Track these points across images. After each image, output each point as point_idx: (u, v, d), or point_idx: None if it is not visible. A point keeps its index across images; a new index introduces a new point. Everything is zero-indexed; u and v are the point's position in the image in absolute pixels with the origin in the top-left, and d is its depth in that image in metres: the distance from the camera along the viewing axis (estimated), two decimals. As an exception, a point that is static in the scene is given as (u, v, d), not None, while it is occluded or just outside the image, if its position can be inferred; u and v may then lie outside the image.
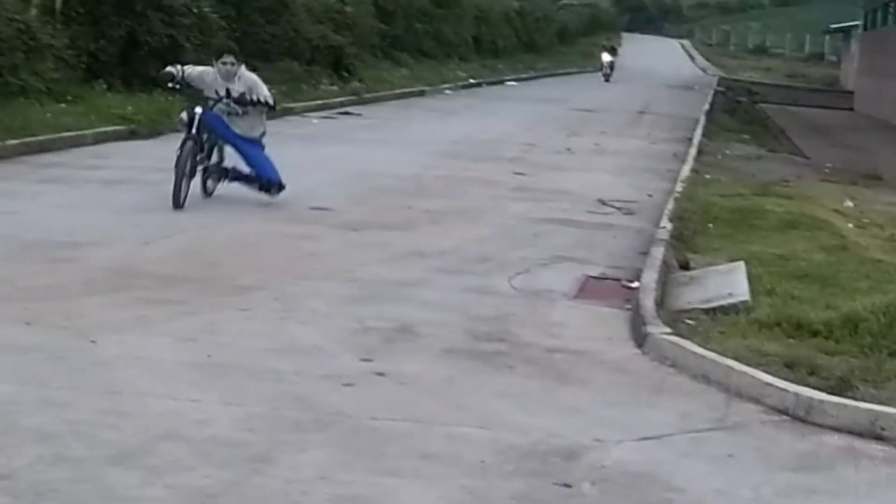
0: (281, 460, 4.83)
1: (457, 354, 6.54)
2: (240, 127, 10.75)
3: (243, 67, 10.86)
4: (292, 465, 4.79)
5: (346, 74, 26.26)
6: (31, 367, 5.78)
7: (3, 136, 13.12)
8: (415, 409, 5.56)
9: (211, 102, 10.58)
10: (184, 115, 10.66)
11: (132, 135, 15.38)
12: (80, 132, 14.59)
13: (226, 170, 10.91)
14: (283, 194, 10.92)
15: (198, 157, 10.50)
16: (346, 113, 21.98)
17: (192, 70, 10.88)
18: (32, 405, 5.23)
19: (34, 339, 6.23)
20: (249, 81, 10.79)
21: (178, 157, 10.23)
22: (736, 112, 31.22)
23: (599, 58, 45.66)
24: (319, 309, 7.26)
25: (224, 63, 10.71)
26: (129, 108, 16.11)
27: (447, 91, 30.80)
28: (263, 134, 11.02)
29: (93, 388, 5.53)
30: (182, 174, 10.20)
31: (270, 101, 10.88)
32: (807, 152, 21.89)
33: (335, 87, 24.72)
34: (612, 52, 45.24)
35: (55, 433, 4.93)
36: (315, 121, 20.26)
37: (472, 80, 34.48)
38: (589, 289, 8.40)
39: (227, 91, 10.58)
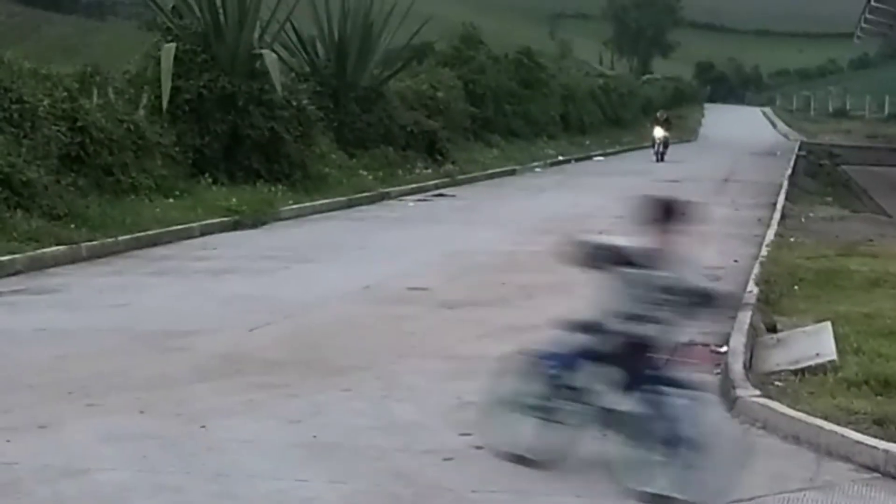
0: (385, 535, 5.00)
1: (552, 425, 6.71)
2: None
3: None
4: (396, 539, 4.97)
5: (439, 157, 26.74)
6: (144, 453, 6.03)
7: (115, 232, 13.66)
8: (513, 482, 5.71)
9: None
10: (616, 325, 5.62)
11: (237, 225, 15.88)
12: (187, 225, 15.13)
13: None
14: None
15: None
16: (441, 195, 22.39)
17: (632, 245, 5.65)
18: (146, 490, 5.50)
19: (148, 426, 6.50)
20: (690, 261, 5.72)
21: (586, 392, 5.71)
22: (818, 175, 31.06)
23: (681, 128, 38.84)
24: (419, 386, 7.49)
25: (668, 227, 5.59)
26: (234, 199, 16.63)
27: (537, 169, 31.08)
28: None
29: (203, 471, 5.76)
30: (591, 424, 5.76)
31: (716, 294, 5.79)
32: (890, 211, 21.73)
33: (429, 171, 25.20)
34: (667, 124, 36.52)
35: (168, 517, 5.18)
36: (411, 203, 20.69)
37: (560, 157, 34.67)
38: (678, 355, 8.51)
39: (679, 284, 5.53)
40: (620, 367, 5.54)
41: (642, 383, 5.45)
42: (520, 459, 5.83)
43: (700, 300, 5.56)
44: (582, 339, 5.73)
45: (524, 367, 5.89)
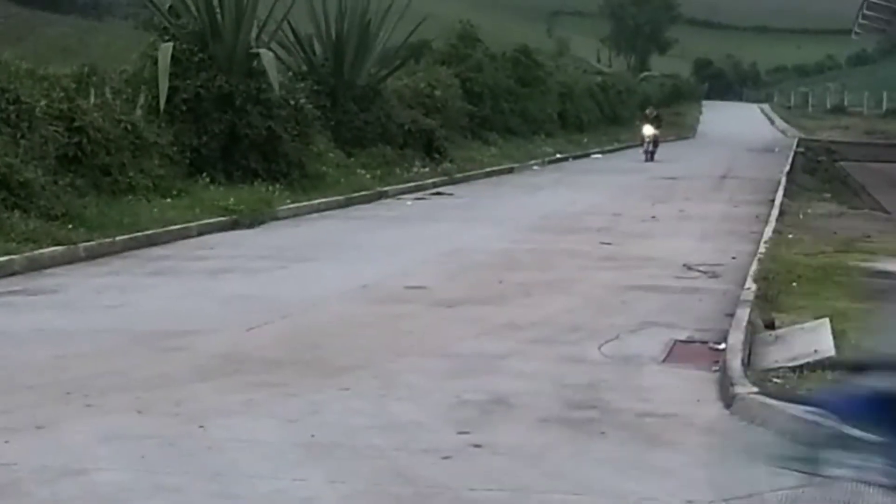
0: (384, 534, 5.01)
1: (551, 423, 6.71)
2: None
3: None
4: (395, 537, 4.97)
5: (437, 156, 26.75)
6: (143, 453, 6.04)
7: (113, 233, 13.64)
8: (512, 479, 5.73)
9: None
10: None
11: (235, 225, 15.88)
12: (185, 225, 15.11)
13: None
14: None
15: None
16: (438, 193, 22.40)
17: None
18: (145, 491, 5.51)
19: (146, 426, 6.51)
20: None
21: None
22: (816, 171, 31.13)
23: (680, 125, 38.53)
24: (418, 385, 7.49)
25: None
26: (231, 199, 16.62)
27: (535, 167, 31.10)
28: None
29: (202, 472, 5.77)
30: None
31: None
32: (888, 207, 21.69)
33: (427, 169, 25.20)
34: (656, 122, 34.76)
35: (167, 518, 5.18)
36: (409, 202, 20.71)
37: (558, 155, 34.65)
38: (677, 352, 8.55)
39: None
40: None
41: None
42: None
43: None
44: (867, 381, 4.54)
45: (785, 415, 5.19)
